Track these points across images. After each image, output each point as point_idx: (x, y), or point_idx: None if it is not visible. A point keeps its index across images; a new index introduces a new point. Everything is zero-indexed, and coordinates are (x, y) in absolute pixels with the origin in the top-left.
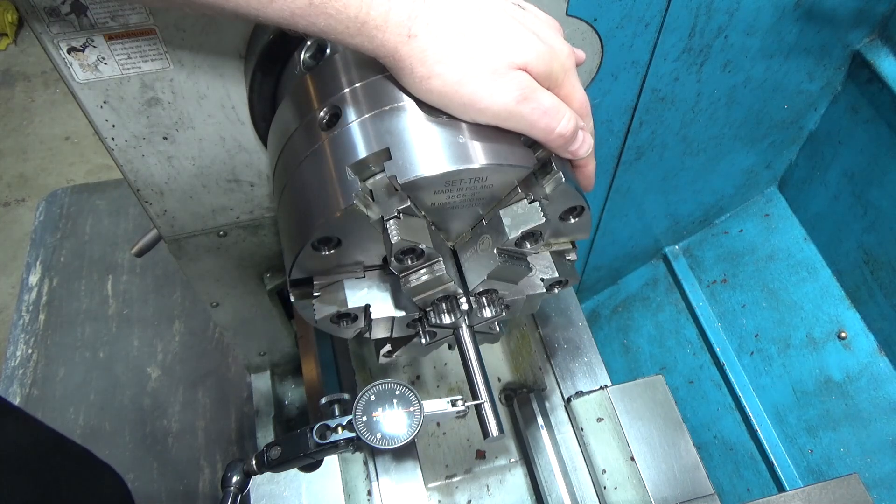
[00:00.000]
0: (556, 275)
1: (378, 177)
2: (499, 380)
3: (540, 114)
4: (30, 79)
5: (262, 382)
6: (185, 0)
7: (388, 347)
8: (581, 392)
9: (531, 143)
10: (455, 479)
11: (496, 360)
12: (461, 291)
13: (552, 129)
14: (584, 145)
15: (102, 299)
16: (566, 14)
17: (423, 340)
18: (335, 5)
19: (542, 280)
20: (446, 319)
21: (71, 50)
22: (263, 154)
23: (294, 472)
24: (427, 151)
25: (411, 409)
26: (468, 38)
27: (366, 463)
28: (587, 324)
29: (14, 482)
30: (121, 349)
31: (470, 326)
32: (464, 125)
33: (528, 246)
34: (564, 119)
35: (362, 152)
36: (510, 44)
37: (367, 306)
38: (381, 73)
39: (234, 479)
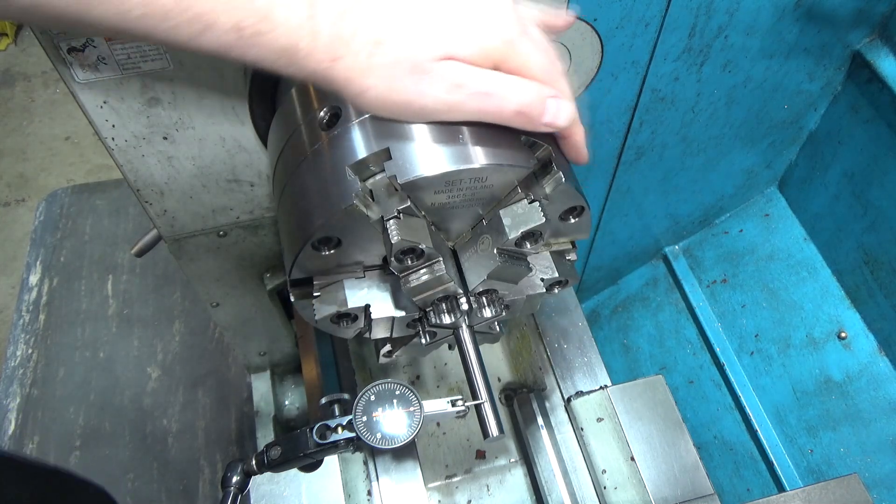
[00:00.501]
0: (556, 275)
1: (378, 177)
2: (499, 380)
3: (481, 97)
4: (30, 79)
5: (262, 382)
6: (115, 32)
7: (388, 347)
8: (581, 392)
9: (531, 143)
10: (455, 479)
11: (496, 360)
12: (461, 291)
13: (505, 108)
14: (560, 114)
15: (102, 299)
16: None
17: (423, 340)
18: (264, 37)
19: (542, 280)
20: (446, 319)
21: (71, 50)
22: (263, 154)
23: (294, 472)
24: (427, 151)
25: (411, 409)
26: (387, 42)
27: (366, 463)
28: (587, 324)
29: None
30: (121, 349)
31: (470, 326)
32: (463, 125)
33: (528, 246)
34: (517, 93)
35: (362, 152)
36: (426, 36)
37: (367, 306)
38: None
39: (234, 479)
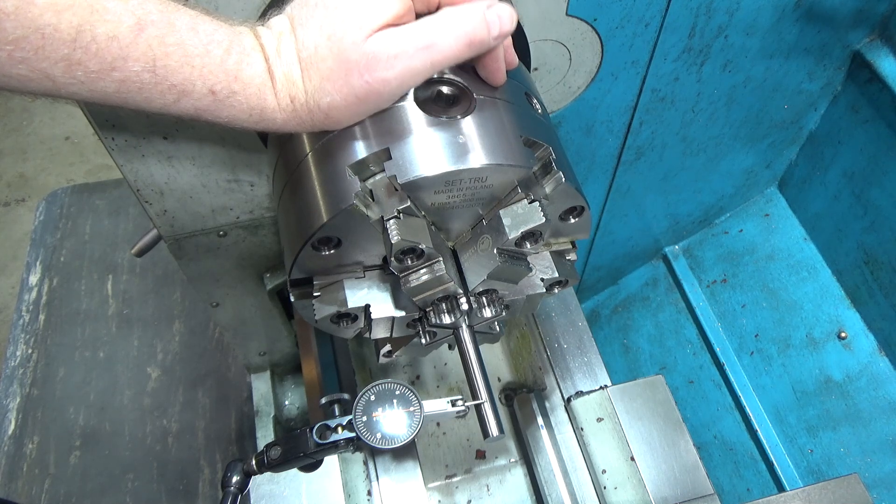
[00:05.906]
0: (556, 275)
1: (378, 177)
2: (499, 380)
3: (423, 52)
4: None
5: (262, 382)
6: (89, 103)
7: (388, 347)
8: (581, 392)
9: (531, 143)
10: (455, 479)
11: (496, 360)
12: (461, 291)
13: (452, 49)
14: (504, 20)
15: (102, 299)
16: (566, 14)
17: (423, 340)
18: (237, 98)
19: (542, 280)
20: (446, 319)
21: None
22: (263, 154)
23: (294, 472)
24: (427, 151)
25: (411, 409)
26: (316, 51)
27: (366, 463)
28: (587, 324)
29: None
30: (121, 349)
31: (470, 326)
32: (462, 125)
33: (528, 246)
34: (455, 28)
35: (362, 152)
36: (346, 25)
37: (367, 306)
38: None
39: (234, 479)
